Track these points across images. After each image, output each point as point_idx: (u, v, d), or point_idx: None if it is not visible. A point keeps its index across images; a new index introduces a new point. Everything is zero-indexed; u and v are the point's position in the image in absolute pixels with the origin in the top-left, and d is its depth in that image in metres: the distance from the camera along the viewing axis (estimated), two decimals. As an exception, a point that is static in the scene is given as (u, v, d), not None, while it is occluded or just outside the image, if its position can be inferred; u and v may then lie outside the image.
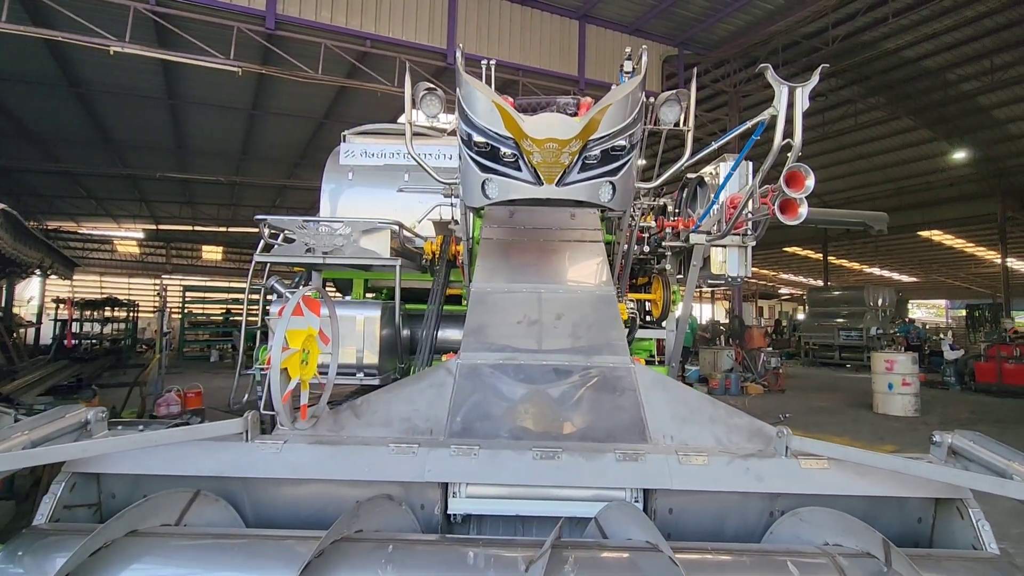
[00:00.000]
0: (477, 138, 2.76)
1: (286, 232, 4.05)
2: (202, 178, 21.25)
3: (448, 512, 2.28)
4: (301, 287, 2.43)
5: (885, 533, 1.92)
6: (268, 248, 3.89)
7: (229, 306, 23.13)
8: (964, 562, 1.95)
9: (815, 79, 2.92)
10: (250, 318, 4.18)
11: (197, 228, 30.31)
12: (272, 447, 2.24)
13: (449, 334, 4.27)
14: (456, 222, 4.06)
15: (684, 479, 2.16)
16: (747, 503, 2.27)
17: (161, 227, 30.11)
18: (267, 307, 4.16)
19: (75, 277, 19.92)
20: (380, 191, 4.91)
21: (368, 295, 4.98)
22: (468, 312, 3.25)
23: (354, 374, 3.60)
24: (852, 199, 26.89)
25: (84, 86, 14.97)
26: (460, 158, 3.10)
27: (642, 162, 3.70)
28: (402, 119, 3.46)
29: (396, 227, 3.82)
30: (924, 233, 28.48)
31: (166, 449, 2.20)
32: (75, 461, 2.15)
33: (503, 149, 2.72)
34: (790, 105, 2.92)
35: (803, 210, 3.14)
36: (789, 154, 3.01)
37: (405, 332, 4.27)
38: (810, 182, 3.06)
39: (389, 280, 4.73)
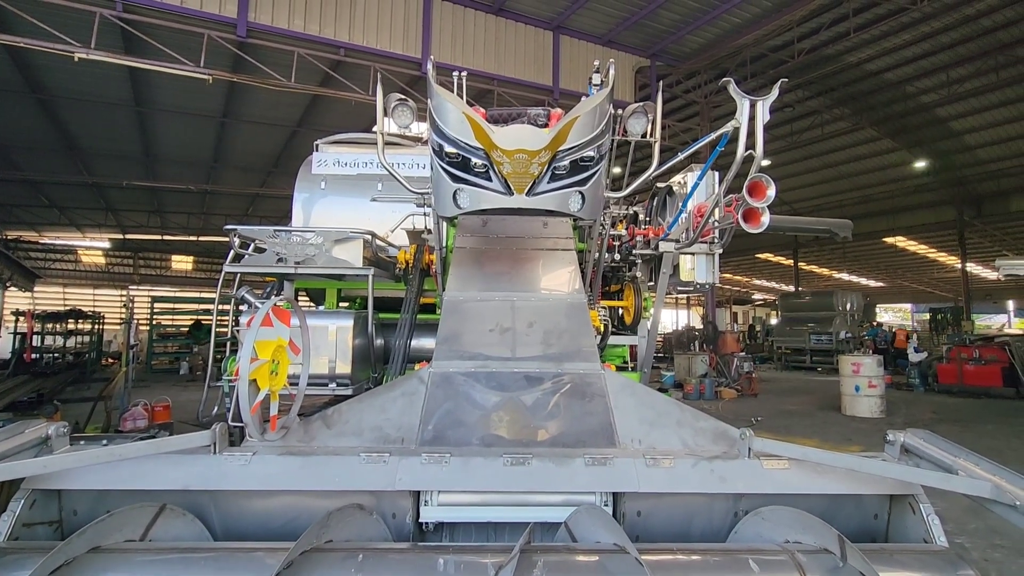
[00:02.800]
0: (448, 149, 2.79)
1: (256, 242, 4.01)
2: (171, 186, 20.84)
3: (420, 520, 2.28)
4: (273, 297, 2.42)
5: (844, 529, 1.99)
6: (238, 258, 3.85)
7: (199, 317, 22.61)
8: (915, 555, 2.04)
9: (775, 92, 3.02)
10: (220, 329, 4.12)
11: (166, 238, 29.67)
12: (241, 459, 2.22)
13: (423, 343, 4.27)
14: (429, 231, 4.08)
15: (651, 482, 2.21)
16: (713, 504, 2.32)
17: (128, 236, 29.36)
18: (237, 318, 4.10)
19: (36, 289, 19.27)
20: (353, 200, 4.90)
21: (342, 304, 4.95)
22: (441, 320, 3.27)
23: (326, 384, 3.58)
24: (820, 206, 27.63)
25: (47, 92, 14.59)
26: (432, 168, 3.13)
27: (618, 170, 3.77)
28: (376, 128, 3.49)
29: (369, 236, 3.82)
30: (889, 239, 29.39)
31: (131, 463, 2.17)
32: (35, 477, 2.10)
33: (474, 160, 2.76)
34: (751, 118, 3.01)
35: (765, 218, 3.24)
36: (752, 165, 3.11)
37: (379, 341, 4.26)
38: (771, 191, 3.16)
39: (362, 289, 4.71)
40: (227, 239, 3.92)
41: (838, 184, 26.21)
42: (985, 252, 27.99)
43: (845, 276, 40.63)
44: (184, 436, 2.25)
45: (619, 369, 4.48)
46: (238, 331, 3.50)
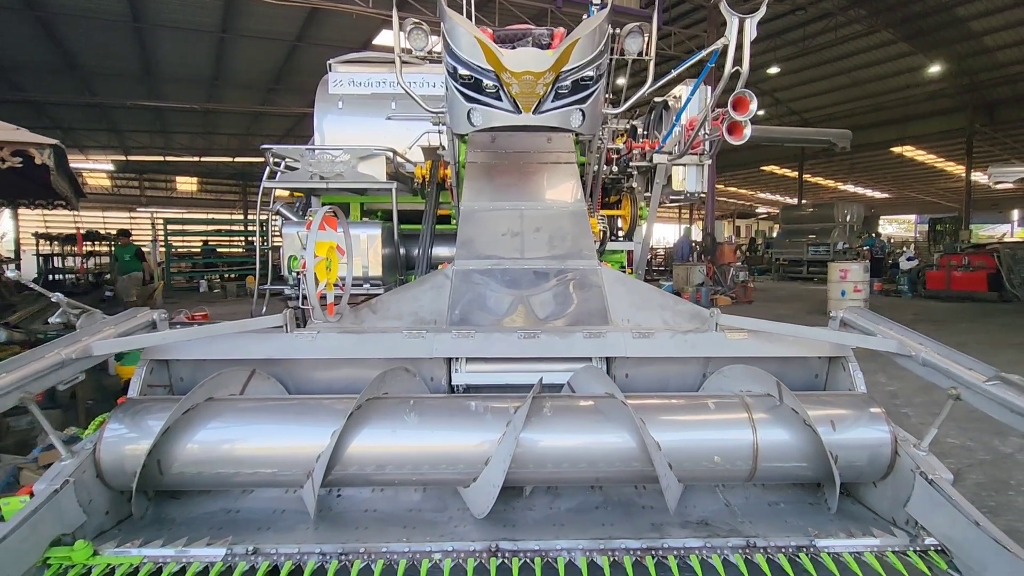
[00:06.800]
0: (462, 71, 3.13)
1: (287, 160, 4.42)
2: (174, 106, 20.62)
3: (452, 384, 2.88)
4: (321, 209, 2.88)
5: (792, 386, 2.56)
6: (273, 175, 4.27)
7: (208, 238, 23.01)
8: (836, 397, 2.64)
9: (762, 10, 3.30)
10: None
11: (169, 159, 29.51)
12: (308, 336, 2.77)
13: (439, 251, 4.76)
14: (443, 148, 4.45)
15: (637, 349, 2.76)
16: (685, 367, 2.90)
17: (132, 158, 29.20)
18: (269, 229, 4.56)
19: (46, 212, 19.66)
20: (369, 119, 5.21)
21: (363, 218, 5.40)
22: (459, 227, 3.74)
23: (361, 285, 4.11)
24: (832, 115, 27.05)
25: (44, 9, 14.25)
26: (447, 89, 3.47)
27: (622, 80, 4.08)
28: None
29: (391, 153, 4.21)
30: (897, 149, 28.99)
31: (223, 339, 2.73)
32: (151, 349, 2.68)
33: (485, 81, 3.10)
34: (739, 35, 3.30)
35: (747, 131, 3.59)
36: (739, 80, 3.43)
37: (401, 250, 4.76)
38: (753, 106, 3.49)
39: (382, 203, 5.13)
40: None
41: (850, 92, 25.53)
42: (994, 160, 27.65)
43: (851, 188, 40.30)
44: (261, 318, 2.80)
45: (617, 272, 4.99)
46: (300, 234, 3.90)
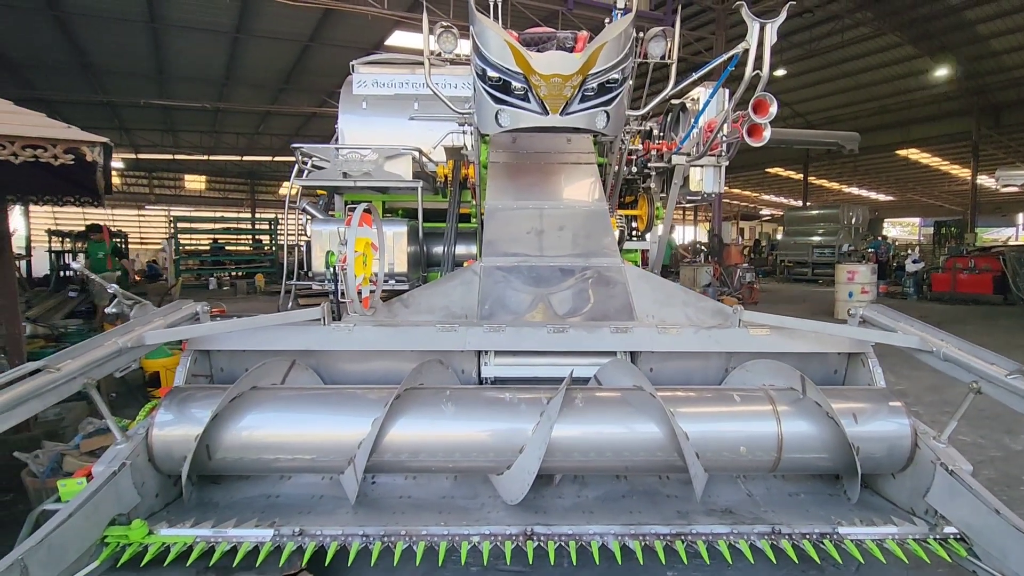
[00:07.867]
0: (491, 73, 3.22)
1: (313, 159, 4.52)
2: (186, 104, 20.73)
3: (482, 376, 2.98)
4: (360, 206, 2.98)
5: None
6: (301, 173, 4.37)
7: (217, 236, 23.12)
8: (857, 391, 2.72)
9: (783, 16, 3.39)
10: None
11: (178, 157, 29.61)
12: (345, 328, 2.87)
13: (458, 249, 4.85)
14: (467, 148, 4.55)
15: (662, 344, 2.85)
16: (709, 362, 2.99)
17: (142, 156, 29.31)
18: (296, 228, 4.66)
19: (56, 208, 19.82)
20: (392, 120, 5.29)
21: (385, 215, 5.49)
22: (485, 226, 3.83)
23: (387, 281, 4.21)
24: (835, 118, 27.05)
25: (62, 8, 14.38)
26: (475, 90, 3.57)
27: (628, 82, 4.17)
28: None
29: (416, 153, 4.31)
30: (902, 152, 28.95)
31: (263, 331, 2.84)
32: (195, 339, 2.78)
33: (514, 83, 3.20)
34: (760, 40, 3.40)
35: (766, 133, 3.69)
36: (759, 83, 3.53)
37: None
38: (773, 109, 3.59)
39: (404, 201, 5.23)
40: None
41: (855, 95, 25.52)
42: (999, 164, 27.62)
43: (855, 190, 40.24)
44: (300, 311, 2.90)
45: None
46: (341, 230, 3.99)
